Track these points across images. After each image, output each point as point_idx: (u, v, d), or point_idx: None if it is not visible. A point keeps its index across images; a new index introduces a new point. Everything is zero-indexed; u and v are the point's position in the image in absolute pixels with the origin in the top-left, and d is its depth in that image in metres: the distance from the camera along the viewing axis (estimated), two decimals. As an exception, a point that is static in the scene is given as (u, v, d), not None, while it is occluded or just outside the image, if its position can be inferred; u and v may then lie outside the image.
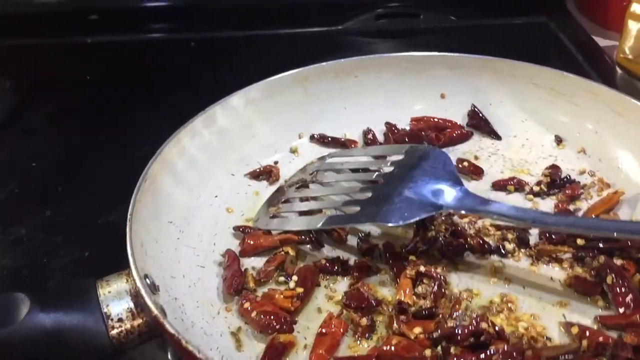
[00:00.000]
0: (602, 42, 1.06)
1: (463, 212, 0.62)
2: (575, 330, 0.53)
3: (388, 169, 0.66)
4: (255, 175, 0.72)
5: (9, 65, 1.05)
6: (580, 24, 1.10)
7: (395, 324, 0.54)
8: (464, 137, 0.78)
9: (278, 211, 0.66)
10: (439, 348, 0.52)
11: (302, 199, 0.67)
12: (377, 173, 0.67)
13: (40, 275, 0.63)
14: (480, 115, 0.78)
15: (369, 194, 0.63)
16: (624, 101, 0.68)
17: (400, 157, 0.68)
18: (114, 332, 0.49)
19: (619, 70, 0.98)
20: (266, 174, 0.73)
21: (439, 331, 0.53)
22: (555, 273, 0.60)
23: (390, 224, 0.59)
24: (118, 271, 0.54)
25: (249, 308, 0.56)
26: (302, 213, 0.65)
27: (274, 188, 0.71)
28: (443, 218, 0.66)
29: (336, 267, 0.61)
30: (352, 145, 0.77)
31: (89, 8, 1.11)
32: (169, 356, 0.57)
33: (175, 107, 0.79)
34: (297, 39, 1.10)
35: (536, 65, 0.76)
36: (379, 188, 0.64)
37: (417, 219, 0.59)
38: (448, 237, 0.63)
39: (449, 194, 0.61)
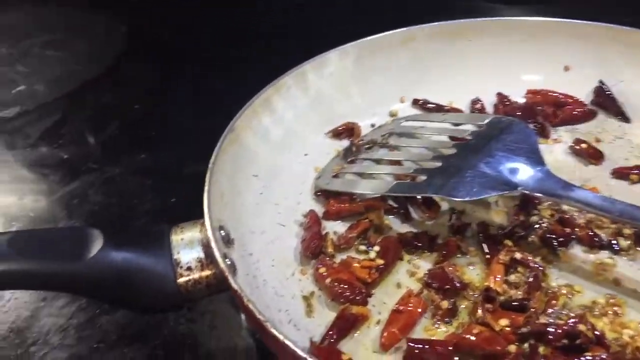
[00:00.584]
0: None
1: (540, 196, 0.54)
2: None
3: (464, 137, 0.61)
4: (337, 134, 0.69)
5: (123, 10, 1.07)
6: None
7: (479, 312, 0.49)
8: (586, 116, 0.70)
9: (341, 171, 0.62)
10: (526, 345, 0.46)
11: (366, 160, 0.63)
12: (453, 143, 0.61)
13: (126, 215, 0.64)
14: (608, 92, 0.69)
15: (439, 164, 0.58)
16: None
17: (480, 127, 0.61)
18: (182, 280, 0.48)
19: None
20: (347, 131, 0.69)
21: (529, 327, 0.47)
22: (678, 279, 0.52)
23: (456, 199, 0.54)
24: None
25: (325, 273, 0.53)
26: (365, 176, 0.61)
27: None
28: (550, 202, 0.59)
29: (422, 243, 0.57)
30: (457, 115, 0.71)
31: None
32: (243, 317, 0.56)
33: (272, 62, 0.76)
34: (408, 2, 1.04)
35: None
36: (450, 158, 0.59)
37: (487, 196, 0.54)
38: (553, 225, 0.57)
39: (527, 173, 0.54)
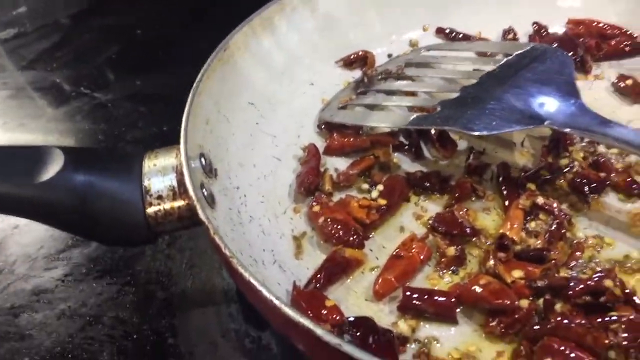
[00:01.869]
0: None
1: (570, 131, 0.46)
2: None
3: (490, 68, 0.53)
4: (348, 63, 0.62)
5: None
6: None
7: (490, 261, 0.43)
8: (634, 51, 0.61)
9: (350, 102, 0.56)
10: (541, 301, 0.40)
11: (378, 92, 0.56)
12: (475, 71, 0.54)
13: (112, 143, 0.59)
14: (664, 24, 0.60)
15: (457, 95, 0.50)
16: None
17: (509, 56, 0.53)
18: (151, 210, 0.42)
19: None
20: (360, 60, 0.62)
21: (546, 280, 0.41)
22: None
23: (473, 132, 0.47)
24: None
25: (319, 212, 0.48)
26: (376, 109, 0.55)
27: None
28: (584, 144, 0.52)
29: (432, 183, 0.50)
30: (486, 46, 0.63)
31: None
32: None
33: None
34: None
35: None
36: (471, 89, 0.51)
37: (508, 130, 0.47)
38: (586, 168, 0.49)
39: (558, 107, 0.47)
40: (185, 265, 0.48)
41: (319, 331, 0.31)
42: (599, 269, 0.42)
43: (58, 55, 0.72)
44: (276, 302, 0.33)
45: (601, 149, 0.51)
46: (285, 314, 0.32)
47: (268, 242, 0.46)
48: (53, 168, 0.40)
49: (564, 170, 0.49)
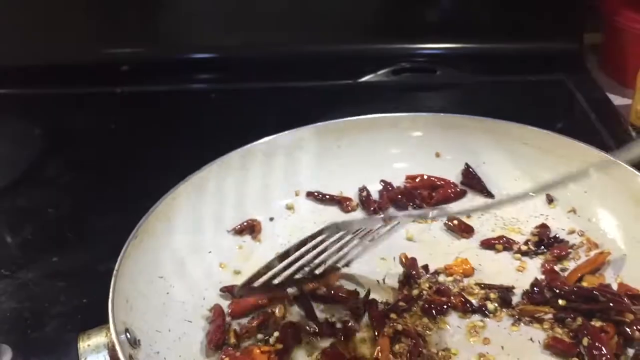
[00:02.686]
0: (620, 100, 1.06)
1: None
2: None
3: None
4: (239, 231, 0.75)
5: (37, 113, 1.11)
6: (597, 82, 1.10)
7: (369, 382, 0.55)
8: (457, 196, 0.79)
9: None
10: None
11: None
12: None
13: (37, 321, 0.66)
14: (474, 173, 0.79)
15: None
16: (613, 164, 0.68)
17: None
18: (89, 385, 0.51)
19: (632, 131, 0.97)
20: (249, 229, 0.75)
21: (411, 389, 0.53)
22: (536, 334, 0.60)
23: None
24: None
25: (227, 363, 0.58)
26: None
27: (258, 244, 0.74)
28: (428, 276, 0.67)
29: (320, 329, 0.62)
30: (347, 203, 0.79)
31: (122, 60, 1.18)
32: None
33: (188, 159, 0.80)
34: (315, 92, 1.13)
35: (527, 125, 0.77)
36: None
37: None
38: (432, 296, 0.64)
39: None
40: None
41: None
42: (447, 374, 0.55)
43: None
44: None
45: (441, 279, 0.66)
46: None
47: (189, 396, 0.56)
48: (3, 361, 0.49)
49: (416, 299, 0.64)
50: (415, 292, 0.65)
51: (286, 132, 0.81)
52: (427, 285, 0.65)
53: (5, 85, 1.16)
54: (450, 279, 0.67)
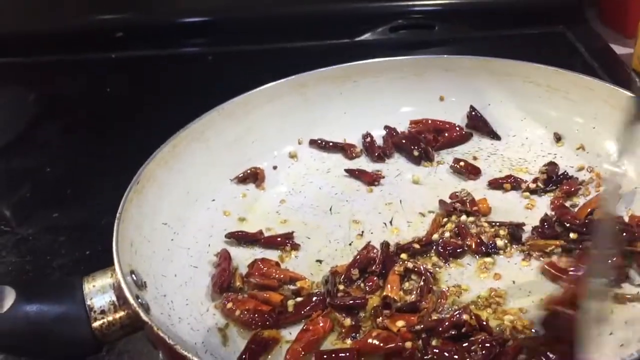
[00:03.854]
0: (621, 49, 1.04)
1: None
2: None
3: None
4: (242, 179, 0.74)
5: (34, 79, 1.10)
6: (598, 32, 1.08)
7: (379, 318, 0.54)
8: (463, 139, 0.78)
9: None
10: (420, 341, 0.51)
11: None
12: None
13: (40, 272, 0.66)
14: (479, 116, 0.78)
15: None
16: (619, 94, 0.67)
17: None
18: (97, 323, 0.50)
19: (635, 77, 0.96)
20: (252, 177, 0.74)
21: (422, 324, 0.53)
22: (547, 268, 0.59)
23: None
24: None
25: (233, 308, 0.57)
26: None
27: (262, 192, 0.73)
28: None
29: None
30: (351, 149, 0.78)
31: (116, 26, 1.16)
32: (160, 354, 0.58)
33: (184, 120, 0.79)
34: (312, 52, 1.11)
35: (531, 63, 0.76)
36: None
37: None
38: (449, 239, 0.62)
39: None
40: (126, 366, 0.56)
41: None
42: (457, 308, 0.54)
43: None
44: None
45: (463, 219, 0.65)
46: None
47: (198, 337, 0.55)
48: (7, 302, 0.48)
49: (431, 243, 0.62)
50: (435, 236, 0.63)
51: (287, 78, 0.79)
52: (452, 226, 0.64)
53: (1, 53, 1.15)
54: (471, 219, 0.65)
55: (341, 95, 0.80)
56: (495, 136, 0.77)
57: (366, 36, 1.15)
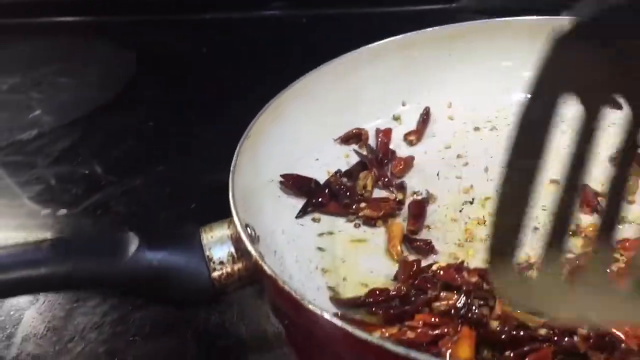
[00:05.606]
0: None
1: None
2: None
3: None
4: (345, 139, 0.72)
5: (135, 38, 1.12)
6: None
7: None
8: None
9: None
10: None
11: None
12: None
13: (149, 222, 0.67)
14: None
15: None
16: None
17: None
18: (215, 274, 0.50)
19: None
20: (355, 137, 0.72)
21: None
22: None
23: None
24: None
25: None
26: None
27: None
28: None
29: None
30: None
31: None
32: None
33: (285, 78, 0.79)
34: (408, 18, 1.08)
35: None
36: None
37: None
38: None
39: None
40: (237, 318, 0.56)
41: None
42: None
43: (80, 151, 0.81)
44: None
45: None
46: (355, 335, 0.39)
47: (309, 294, 0.54)
48: (131, 249, 0.48)
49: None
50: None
51: (394, 37, 0.76)
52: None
53: (100, 12, 1.19)
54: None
55: (450, 57, 0.77)
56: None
57: (467, 1, 1.10)
